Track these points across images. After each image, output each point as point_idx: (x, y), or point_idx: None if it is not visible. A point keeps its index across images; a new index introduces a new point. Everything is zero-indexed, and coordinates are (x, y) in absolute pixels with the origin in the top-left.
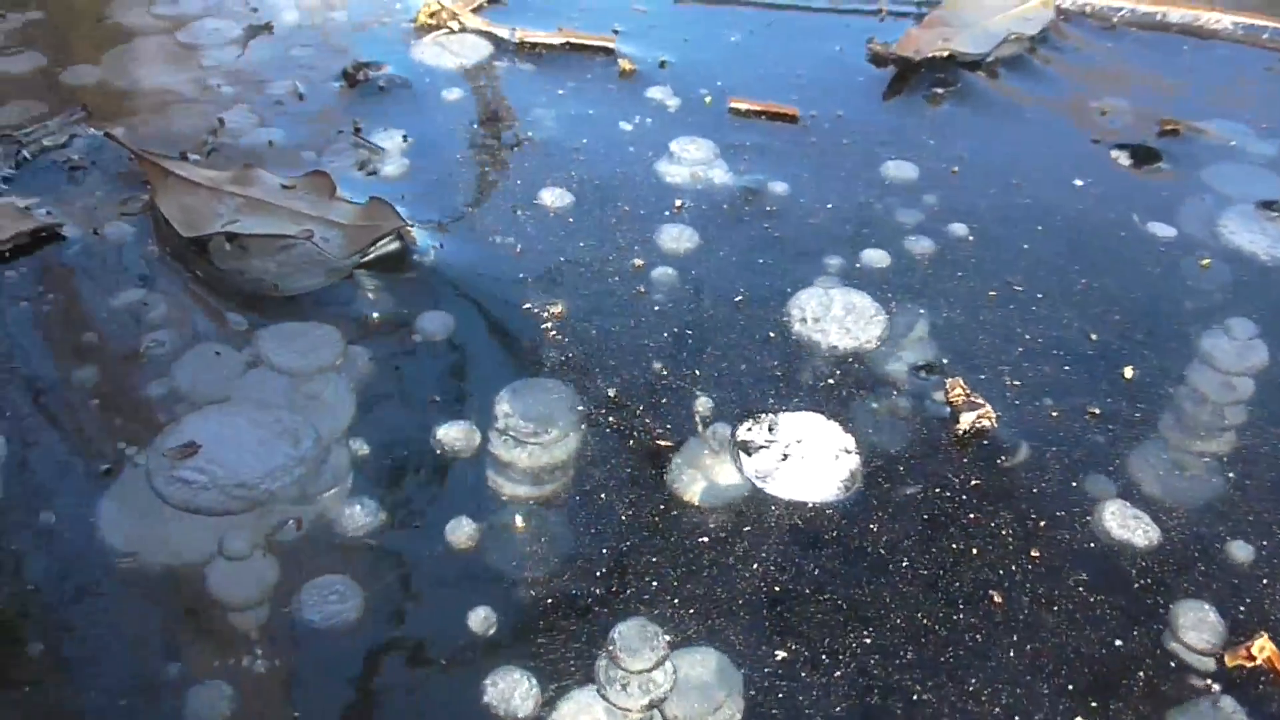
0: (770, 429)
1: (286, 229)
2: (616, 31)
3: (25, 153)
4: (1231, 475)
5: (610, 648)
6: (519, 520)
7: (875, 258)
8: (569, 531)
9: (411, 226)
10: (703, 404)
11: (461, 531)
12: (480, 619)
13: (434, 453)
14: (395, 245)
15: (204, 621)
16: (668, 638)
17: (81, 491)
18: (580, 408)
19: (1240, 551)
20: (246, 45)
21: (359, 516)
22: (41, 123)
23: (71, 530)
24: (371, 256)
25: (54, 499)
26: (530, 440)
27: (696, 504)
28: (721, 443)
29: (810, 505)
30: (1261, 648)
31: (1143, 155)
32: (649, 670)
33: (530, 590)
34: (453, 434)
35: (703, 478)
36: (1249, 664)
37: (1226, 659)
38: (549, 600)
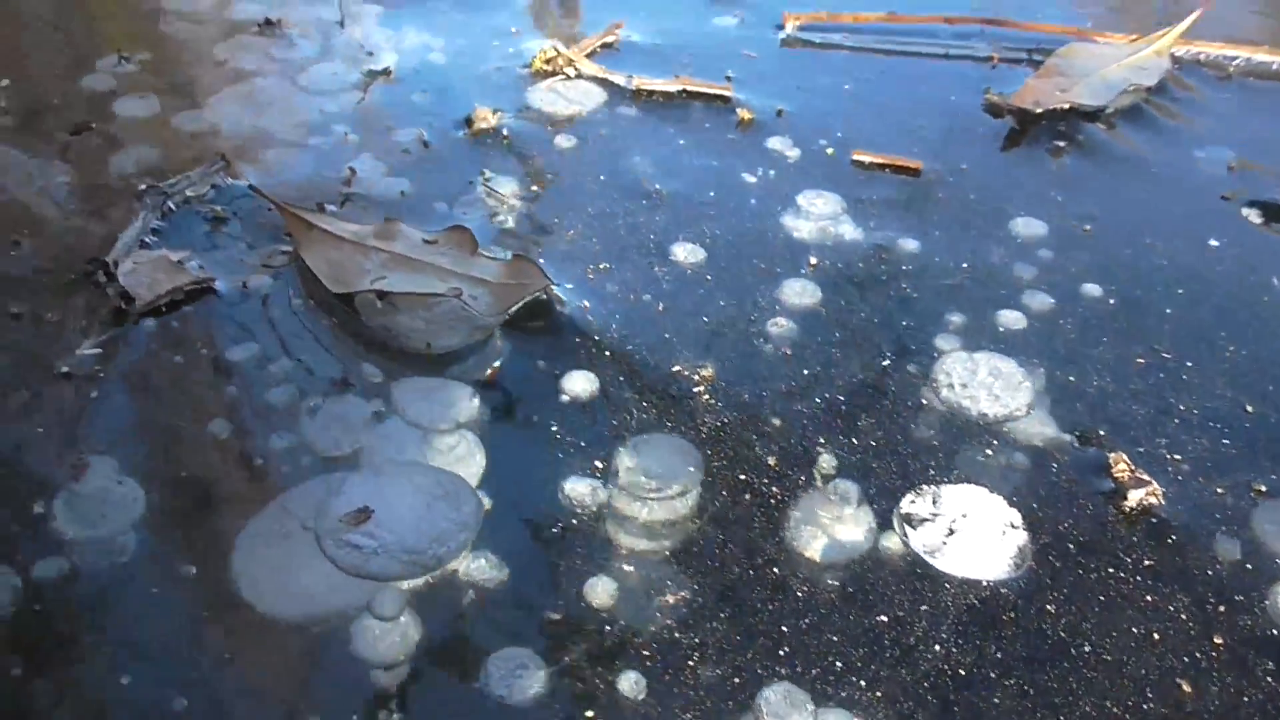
0: (934, 501)
1: (435, 287)
2: (729, 79)
3: (170, 204)
4: None
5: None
6: (661, 579)
7: (1012, 319)
8: (714, 595)
9: (556, 285)
10: (867, 472)
11: (600, 589)
12: (630, 683)
13: (565, 510)
14: (538, 300)
15: (345, 677)
16: (812, 705)
17: (219, 541)
18: (696, 471)
19: None
20: (367, 90)
21: (485, 570)
22: (184, 174)
23: (209, 580)
24: (517, 313)
25: (194, 550)
26: (654, 496)
27: (869, 579)
28: (876, 511)
29: (985, 583)
30: None
31: (1274, 213)
32: None
33: (679, 653)
34: (580, 489)
35: (872, 553)
36: None
37: None
38: (699, 664)
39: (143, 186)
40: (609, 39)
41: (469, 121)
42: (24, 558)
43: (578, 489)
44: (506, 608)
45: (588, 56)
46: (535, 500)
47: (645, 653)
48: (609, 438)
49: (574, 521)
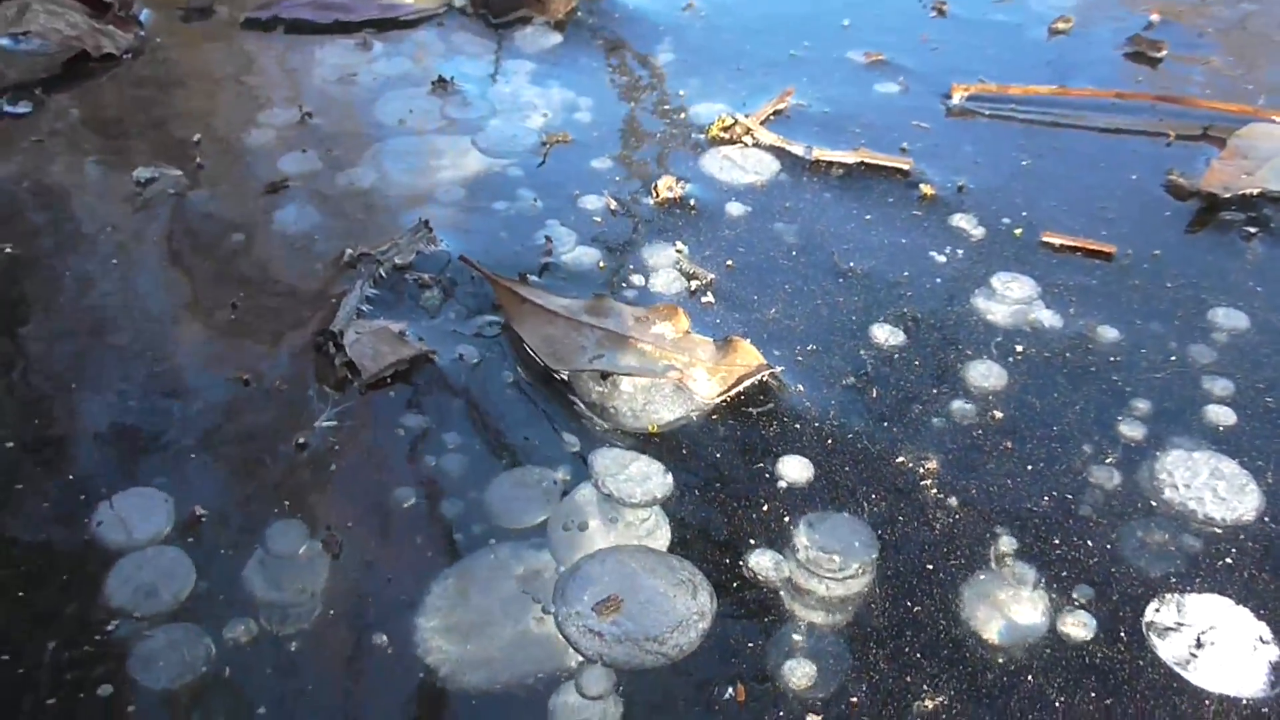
0: (1179, 609)
1: (655, 369)
2: (904, 150)
3: (381, 272)
4: None
5: None
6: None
7: (1222, 415)
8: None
9: (777, 369)
10: (1107, 579)
11: (800, 672)
12: None
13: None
14: (756, 383)
15: None
16: None
17: (401, 611)
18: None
19: None
20: (546, 154)
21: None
22: (392, 240)
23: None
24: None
25: (380, 617)
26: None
27: (1125, 693)
28: (1133, 625)
29: (1244, 701)
30: None
31: None
32: None
33: None
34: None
35: (1125, 665)
36: None
37: None
38: None
39: (355, 253)
40: (780, 106)
41: (654, 190)
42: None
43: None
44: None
45: (762, 124)
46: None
47: None
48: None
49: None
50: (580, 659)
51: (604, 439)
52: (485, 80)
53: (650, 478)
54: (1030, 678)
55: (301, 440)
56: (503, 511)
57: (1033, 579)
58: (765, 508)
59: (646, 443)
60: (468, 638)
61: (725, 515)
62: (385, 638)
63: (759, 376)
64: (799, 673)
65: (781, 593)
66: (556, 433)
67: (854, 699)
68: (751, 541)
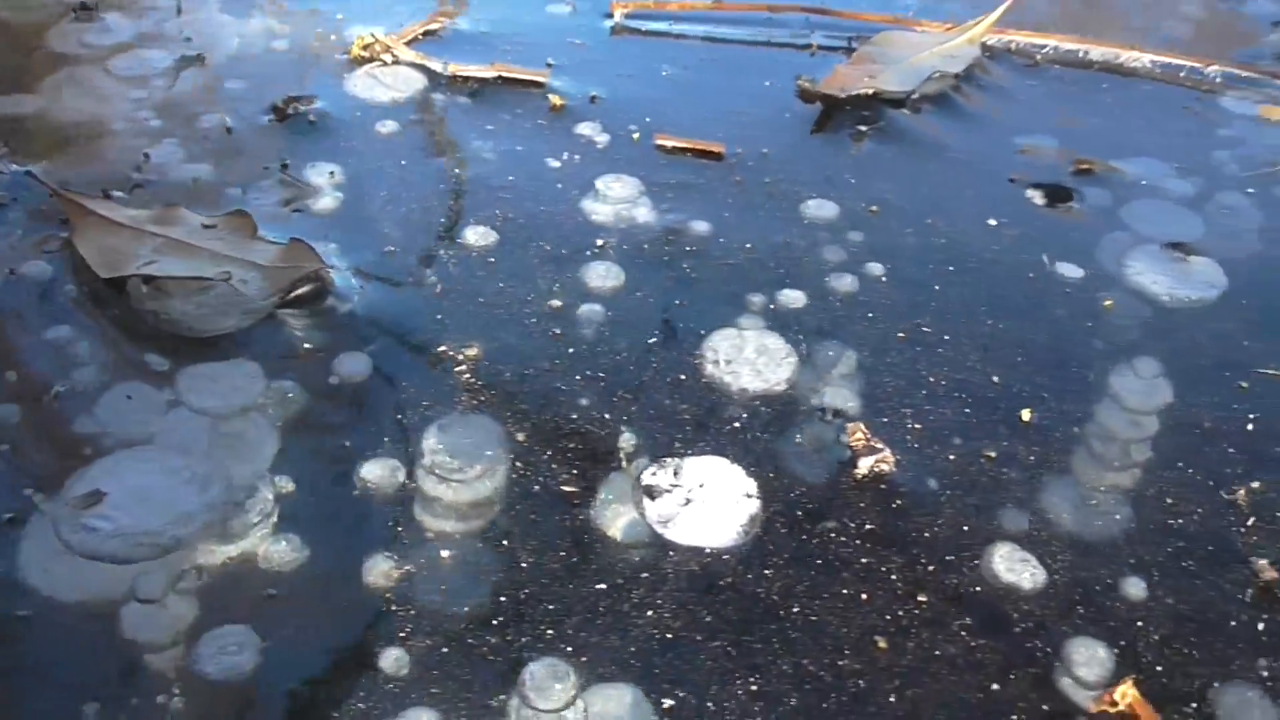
0: (675, 473)
1: (205, 271)
2: (550, 65)
3: None
4: (1118, 517)
5: (522, 688)
6: (430, 560)
7: (792, 298)
8: (480, 572)
9: (331, 268)
10: (613, 447)
11: (377, 570)
12: (392, 660)
13: (351, 491)
14: (314, 286)
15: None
16: (577, 678)
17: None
18: (488, 451)
19: (1126, 593)
20: (178, 77)
21: (282, 554)
22: None
23: None
24: (292, 297)
25: None
26: (454, 478)
27: (599, 549)
28: (629, 487)
29: (708, 551)
30: (1124, 694)
31: (1057, 195)
32: (560, 710)
33: (443, 631)
34: (371, 472)
35: (608, 522)
36: (1112, 709)
37: (1091, 705)
38: (462, 641)
39: None
40: (432, 26)
41: (275, 109)
42: None
43: (367, 471)
44: (303, 589)
45: (408, 44)
46: (325, 484)
47: (415, 632)
48: (394, 419)
49: (364, 504)
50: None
51: (182, 351)
52: (132, 9)
53: (242, 389)
54: (533, 558)
55: None
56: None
57: (554, 454)
58: (310, 398)
59: (227, 351)
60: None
61: (310, 415)
62: None
63: (312, 276)
64: (376, 571)
65: (358, 485)
66: (125, 346)
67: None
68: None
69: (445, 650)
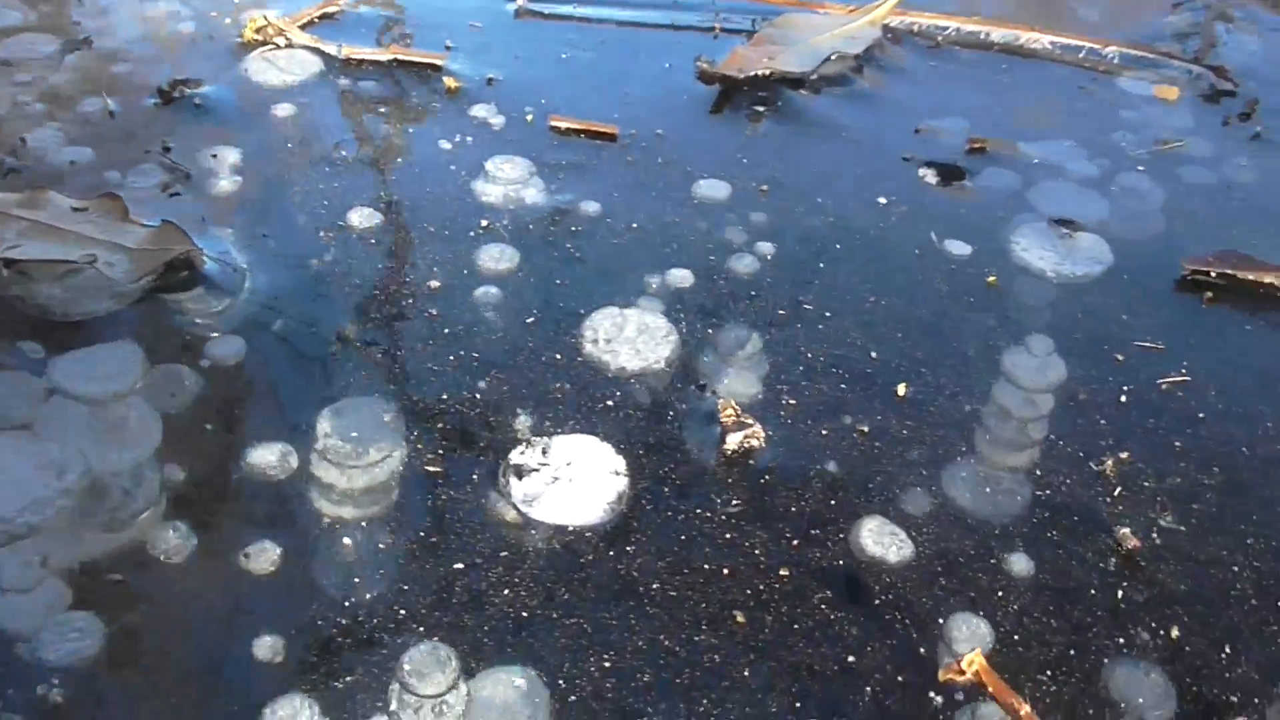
0: (544, 452)
1: (69, 254)
2: (449, 48)
3: None
4: (988, 490)
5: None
6: (296, 543)
7: (678, 278)
8: (345, 555)
9: (202, 250)
10: (482, 428)
11: (264, 556)
12: (267, 646)
13: (231, 475)
14: (188, 268)
15: None
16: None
17: None
18: (354, 434)
19: (991, 564)
20: (63, 60)
21: (168, 540)
22: None
23: None
24: (166, 280)
25: None
26: (335, 461)
27: (460, 529)
28: (495, 467)
29: (571, 529)
30: (971, 662)
31: (949, 173)
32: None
33: (316, 616)
34: (254, 457)
35: (473, 502)
36: (959, 678)
37: (940, 675)
38: (335, 625)
39: None
40: (330, 9)
41: (161, 92)
42: None
43: (253, 456)
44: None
45: (303, 27)
46: (204, 469)
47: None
48: (265, 402)
49: (245, 487)
50: None
51: (56, 338)
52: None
53: (119, 375)
54: (398, 540)
55: None
56: None
57: (425, 434)
58: (188, 383)
59: (103, 335)
60: None
61: (179, 393)
62: None
63: (181, 258)
64: (261, 558)
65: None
66: None
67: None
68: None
69: (319, 635)
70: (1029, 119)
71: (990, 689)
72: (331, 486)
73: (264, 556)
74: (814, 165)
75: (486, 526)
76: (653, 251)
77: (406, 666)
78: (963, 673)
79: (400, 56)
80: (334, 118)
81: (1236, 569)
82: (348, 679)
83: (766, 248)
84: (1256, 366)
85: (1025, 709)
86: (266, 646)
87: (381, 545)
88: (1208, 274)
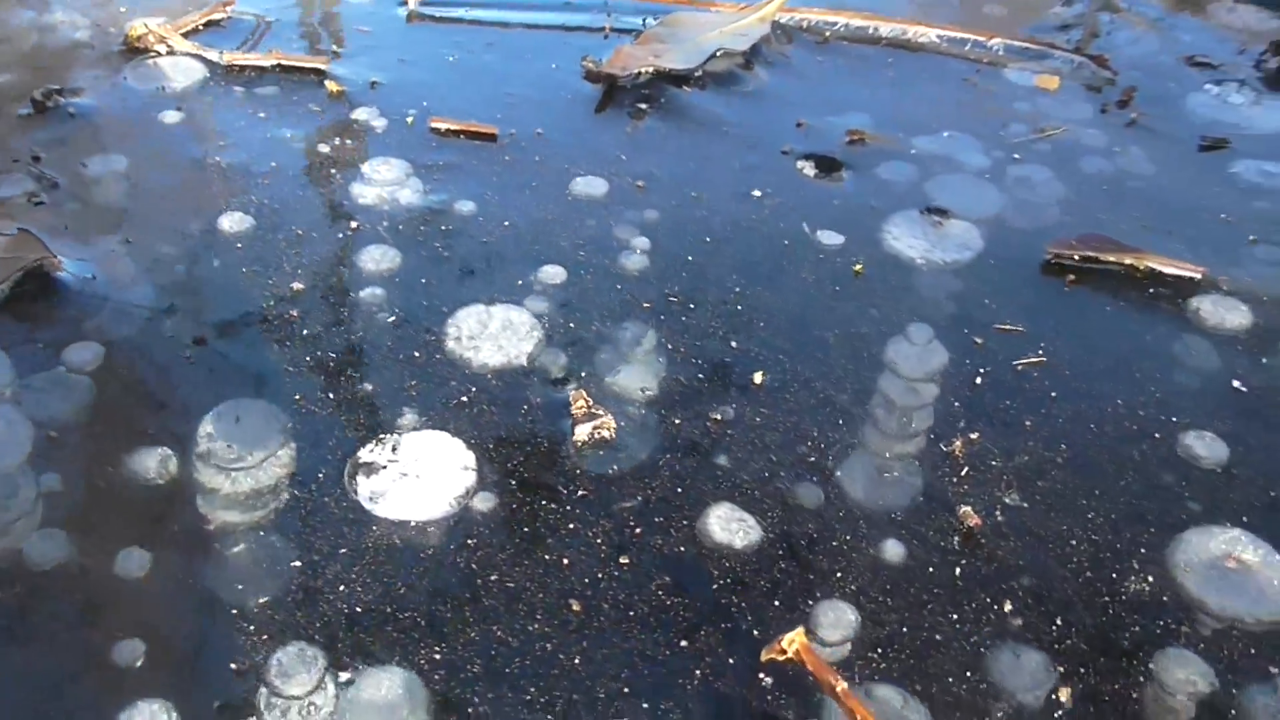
0: (393, 449)
1: None
2: (335, 53)
3: None
4: (839, 474)
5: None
6: (171, 548)
7: (549, 274)
8: (181, 557)
9: (58, 258)
10: (334, 427)
11: (132, 561)
12: (128, 651)
13: (94, 480)
14: (46, 276)
15: None
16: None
17: None
18: (208, 430)
19: (833, 546)
20: None
21: (41, 549)
22: None
23: None
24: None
25: None
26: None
27: (301, 528)
28: (343, 466)
29: (413, 524)
30: (792, 641)
31: (827, 165)
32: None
33: (168, 619)
34: (140, 461)
35: (317, 501)
36: (781, 657)
37: (762, 654)
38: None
39: None
40: (215, 15)
41: (34, 101)
42: None
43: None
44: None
45: (187, 34)
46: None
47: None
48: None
49: (119, 492)
50: None
51: None
52: None
53: None
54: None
55: None
56: None
57: (281, 440)
58: (56, 393)
59: None
60: None
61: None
62: None
63: (36, 266)
64: (130, 562)
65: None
66: None
67: None
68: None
69: (176, 640)
70: (911, 111)
71: (809, 666)
72: (215, 491)
73: (132, 560)
74: (692, 160)
75: (329, 524)
76: (524, 249)
77: (272, 669)
78: (784, 652)
79: (283, 61)
80: (211, 124)
81: (1075, 543)
82: (206, 682)
83: (640, 242)
84: (1111, 346)
85: (842, 685)
86: (127, 651)
87: (231, 548)
88: (1072, 257)
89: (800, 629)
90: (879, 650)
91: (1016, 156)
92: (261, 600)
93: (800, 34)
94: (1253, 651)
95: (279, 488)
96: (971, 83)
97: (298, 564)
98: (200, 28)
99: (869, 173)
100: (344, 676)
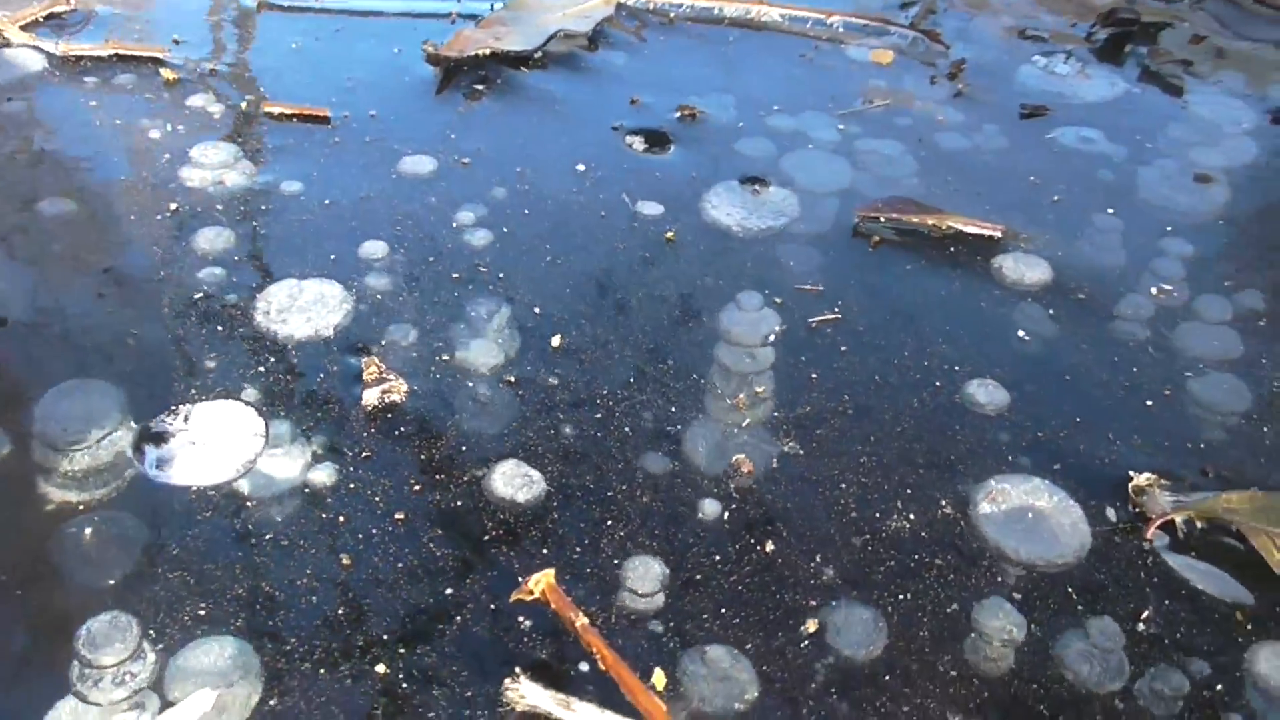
0: (185, 419)
1: None
2: (176, 42)
3: None
4: (626, 430)
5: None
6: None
7: (368, 250)
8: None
9: None
10: (127, 400)
11: None
12: None
13: None
14: None
15: None
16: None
17: None
18: (9, 415)
19: (606, 499)
20: None
21: None
22: None
23: None
24: None
25: None
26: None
27: (83, 495)
28: (133, 434)
29: (194, 489)
30: (539, 582)
31: (656, 140)
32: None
33: None
34: None
35: (102, 469)
36: (529, 598)
37: (511, 596)
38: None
39: None
40: (57, 8)
41: None
42: None
43: None
44: None
45: (25, 27)
46: None
47: None
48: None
49: None
50: None
51: None
52: None
53: None
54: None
55: None
56: None
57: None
58: None
59: None
60: None
61: None
62: None
63: None
64: None
65: None
66: None
67: None
68: None
69: None
70: (746, 86)
71: (553, 605)
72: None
73: None
74: (521, 138)
75: (114, 490)
76: (343, 225)
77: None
78: (531, 593)
79: (121, 51)
80: (41, 113)
81: (845, 485)
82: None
83: (462, 217)
84: (906, 303)
85: (581, 620)
86: None
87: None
88: (879, 220)
89: (549, 570)
90: (624, 591)
91: (841, 127)
92: (23, 564)
93: (647, 15)
94: (999, 580)
95: (62, 459)
96: (808, 58)
97: (72, 530)
98: (40, 20)
99: (696, 146)
100: (90, 630)
